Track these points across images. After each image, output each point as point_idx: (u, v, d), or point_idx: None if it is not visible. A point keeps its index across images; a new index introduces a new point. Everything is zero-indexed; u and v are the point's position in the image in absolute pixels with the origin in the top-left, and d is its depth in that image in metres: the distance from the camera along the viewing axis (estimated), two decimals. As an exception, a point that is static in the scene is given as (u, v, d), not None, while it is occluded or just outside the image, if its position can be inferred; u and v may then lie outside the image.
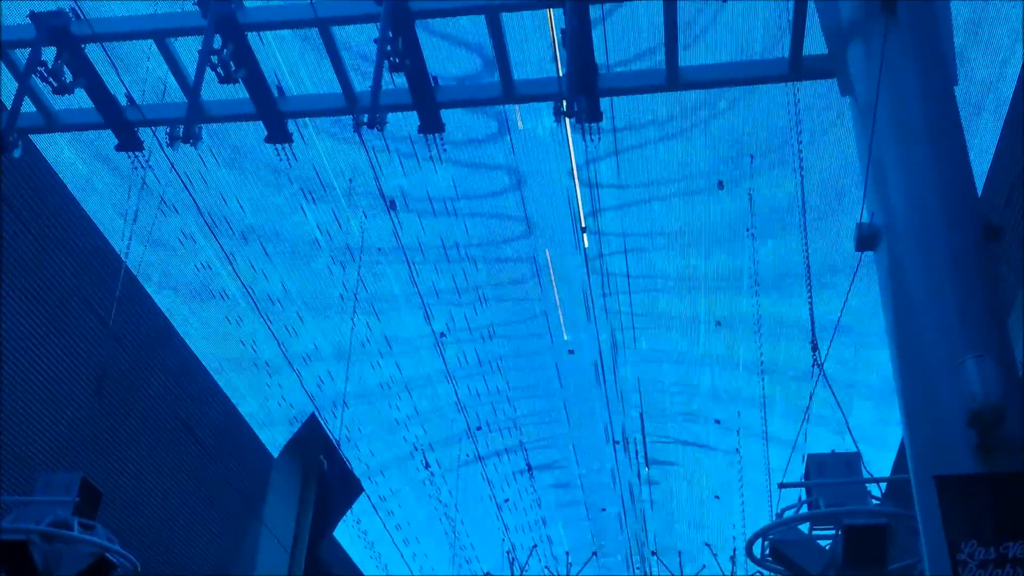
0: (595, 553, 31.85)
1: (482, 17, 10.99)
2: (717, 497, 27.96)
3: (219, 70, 10.42)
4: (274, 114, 11.44)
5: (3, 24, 11.39)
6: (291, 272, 18.62)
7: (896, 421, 8.38)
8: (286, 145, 11.72)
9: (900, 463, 16.36)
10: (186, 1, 11.21)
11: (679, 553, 31.53)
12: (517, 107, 15.58)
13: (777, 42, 12.79)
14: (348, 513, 23.49)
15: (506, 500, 29.56)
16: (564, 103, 10.46)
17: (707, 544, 29.67)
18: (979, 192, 8.93)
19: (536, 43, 14.25)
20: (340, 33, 11.54)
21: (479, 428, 25.98)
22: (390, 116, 10.99)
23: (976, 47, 12.16)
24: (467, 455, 26.39)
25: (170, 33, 11.29)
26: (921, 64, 8.55)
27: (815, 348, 12.98)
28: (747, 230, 17.27)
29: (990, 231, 7.82)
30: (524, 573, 29.31)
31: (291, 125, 11.93)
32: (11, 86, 11.19)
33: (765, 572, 12.61)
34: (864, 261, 8.97)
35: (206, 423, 18.00)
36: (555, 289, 22.01)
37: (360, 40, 12.55)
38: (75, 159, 14.05)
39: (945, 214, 7.90)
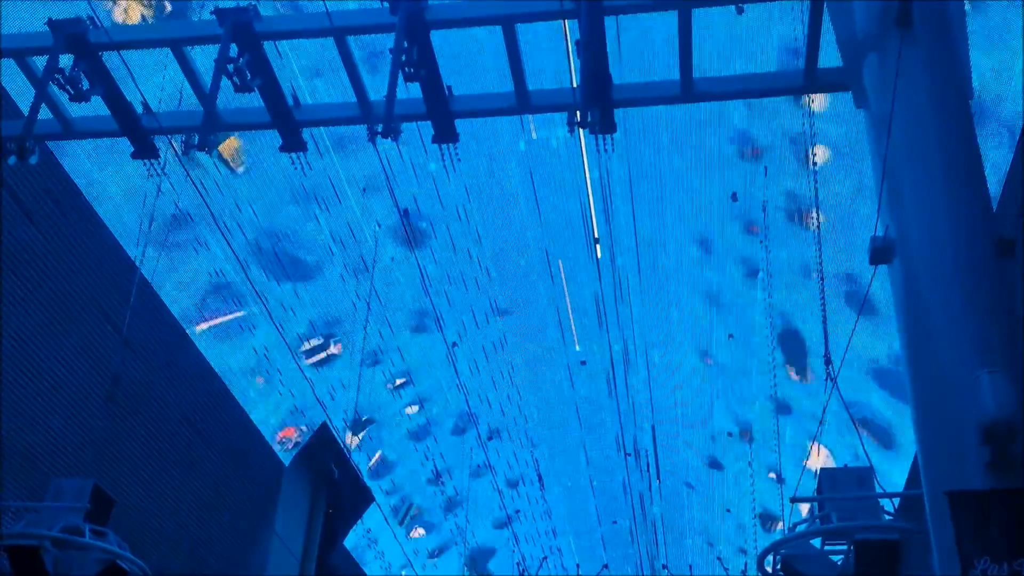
0: (606, 565, 31.75)
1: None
2: (728, 511, 27.84)
3: (235, 79, 10.44)
4: (289, 123, 11.45)
5: (23, 32, 11.45)
6: (305, 280, 18.67)
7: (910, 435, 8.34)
8: (301, 153, 11.73)
9: (913, 478, 16.26)
10: (203, 10, 11.26)
11: (689, 567, 31.42)
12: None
13: (792, 55, 12.79)
14: (358, 521, 23.47)
15: (517, 511, 29.50)
16: (578, 114, 10.44)
17: (718, 558, 29.56)
18: (993, 206, 8.89)
19: (551, 54, 14.28)
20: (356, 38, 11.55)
21: (490, 438, 25.96)
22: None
23: (992, 60, 12.11)
24: (478, 465, 26.36)
25: (187, 42, 11.32)
26: (936, 77, 8.52)
27: (828, 362, 12.93)
28: (761, 241, 17.25)
29: (1004, 245, 7.78)
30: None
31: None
32: (28, 93, 11.23)
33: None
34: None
35: (218, 430, 18.01)
36: (567, 300, 22.01)
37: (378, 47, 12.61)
38: (90, 166, 14.11)
39: (959, 228, 7.86)
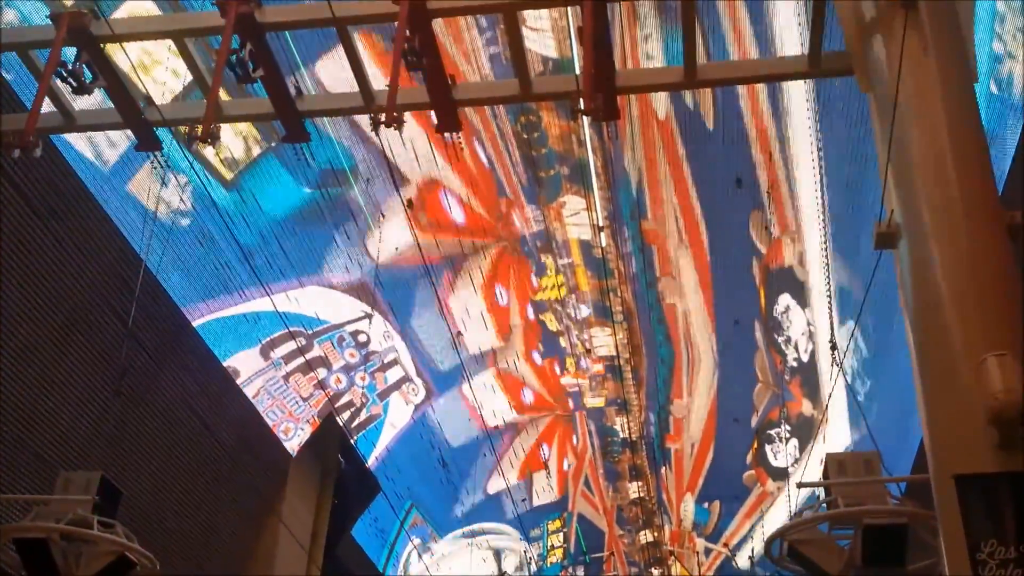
0: (612, 552, 31.85)
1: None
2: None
3: (237, 70, 10.41)
4: (292, 114, 11.42)
5: (25, 25, 11.42)
6: (309, 270, 18.68)
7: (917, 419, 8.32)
8: (304, 144, 11.71)
9: (920, 462, 16.25)
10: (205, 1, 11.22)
11: (696, 553, 31.48)
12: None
13: (795, 38, 12.74)
14: (365, 512, 23.51)
15: (523, 499, 29.56)
16: (581, 101, 10.39)
17: (725, 544, 29.62)
18: (1000, 189, 8.86)
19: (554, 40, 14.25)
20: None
21: (497, 427, 26.00)
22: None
23: (998, 42, 12.07)
24: (484, 454, 26.40)
25: (189, 33, 11.30)
26: (941, 60, 8.48)
27: (835, 347, 12.94)
28: (766, 228, 17.24)
29: (1011, 228, 7.76)
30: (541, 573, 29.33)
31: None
32: (31, 87, 11.22)
33: (784, 572, 12.53)
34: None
35: (225, 422, 18.04)
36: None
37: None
38: (94, 159, 14.10)
39: (966, 211, 7.84)
